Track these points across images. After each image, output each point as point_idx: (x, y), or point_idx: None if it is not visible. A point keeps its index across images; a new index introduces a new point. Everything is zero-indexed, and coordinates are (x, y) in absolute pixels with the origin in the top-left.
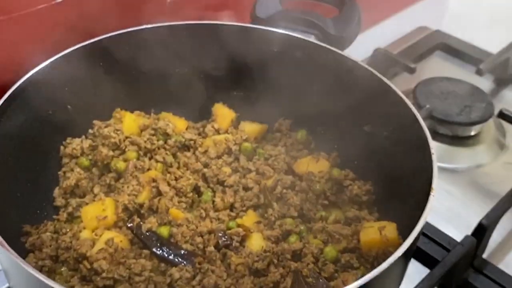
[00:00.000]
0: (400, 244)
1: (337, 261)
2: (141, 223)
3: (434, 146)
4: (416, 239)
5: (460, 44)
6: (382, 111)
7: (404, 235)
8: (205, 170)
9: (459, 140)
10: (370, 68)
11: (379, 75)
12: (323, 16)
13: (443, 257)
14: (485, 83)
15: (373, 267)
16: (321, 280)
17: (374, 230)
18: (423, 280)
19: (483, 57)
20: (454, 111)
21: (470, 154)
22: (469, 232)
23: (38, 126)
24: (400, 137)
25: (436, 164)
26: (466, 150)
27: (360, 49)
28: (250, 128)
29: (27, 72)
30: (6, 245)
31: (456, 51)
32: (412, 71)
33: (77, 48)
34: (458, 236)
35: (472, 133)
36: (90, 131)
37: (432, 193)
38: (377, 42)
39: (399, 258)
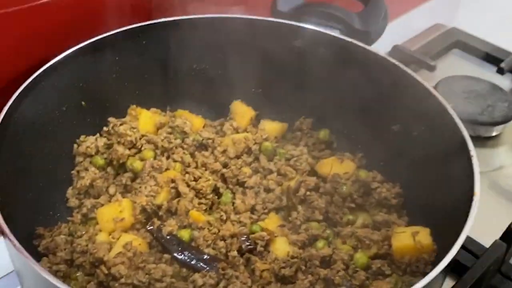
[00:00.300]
0: (434, 251)
1: (368, 268)
2: (162, 226)
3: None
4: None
5: (477, 42)
6: (412, 110)
7: (438, 241)
8: (224, 170)
9: (481, 141)
10: (400, 65)
11: (410, 71)
12: (347, 10)
13: (472, 264)
14: (504, 82)
15: (405, 274)
16: None
17: (407, 236)
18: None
19: (501, 55)
20: (476, 110)
21: (492, 155)
22: (493, 237)
23: (51, 123)
24: (433, 137)
25: (477, 167)
26: (488, 151)
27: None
28: (270, 126)
29: (41, 66)
30: (22, 249)
31: (473, 49)
32: (432, 68)
33: (93, 42)
34: (481, 241)
35: (494, 134)
36: (105, 128)
37: (475, 198)
38: (392, 40)
39: (445, 268)
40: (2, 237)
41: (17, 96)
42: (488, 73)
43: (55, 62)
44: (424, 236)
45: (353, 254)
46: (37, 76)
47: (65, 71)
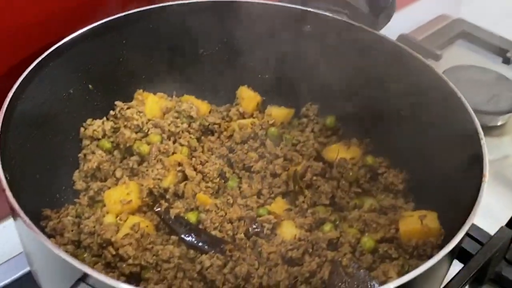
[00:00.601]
0: (441, 234)
1: (375, 251)
2: (170, 208)
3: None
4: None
5: (483, 32)
6: (421, 95)
7: (445, 226)
8: (231, 155)
9: (486, 131)
10: (409, 49)
11: (419, 56)
12: None
13: (477, 251)
14: (510, 72)
15: (412, 257)
16: (362, 271)
17: (414, 219)
18: (458, 274)
19: (506, 45)
20: (482, 100)
21: (497, 144)
22: (497, 225)
23: (58, 105)
24: (441, 122)
25: (486, 151)
26: (493, 141)
27: None
28: (277, 112)
29: (50, 47)
30: (33, 225)
31: (479, 39)
32: (437, 58)
33: (100, 25)
34: (486, 229)
35: (499, 123)
36: (112, 112)
37: (484, 180)
38: (398, 30)
39: (452, 250)
40: (8, 221)
41: (24, 78)
42: (493, 64)
43: (62, 45)
44: (431, 219)
45: (360, 237)
46: (43, 59)
47: (72, 54)
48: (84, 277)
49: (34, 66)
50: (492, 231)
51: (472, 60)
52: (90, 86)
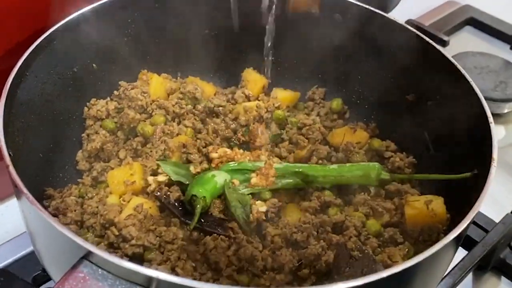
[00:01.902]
0: (447, 219)
1: (380, 235)
2: (169, 192)
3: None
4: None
5: (490, 19)
6: (428, 79)
7: (450, 212)
8: (235, 137)
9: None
10: (418, 32)
11: (427, 39)
12: None
13: (481, 238)
14: None
15: (417, 242)
16: (367, 255)
17: (420, 204)
18: (462, 261)
19: None
20: (489, 86)
21: (502, 132)
22: (502, 213)
23: (62, 84)
24: (449, 106)
25: (495, 134)
26: (498, 128)
27: None
28: (283, 95)
29: (54, 24)
30: (36, 202)
31: (486, 26)
32: (445, 44)
33: (105, 3)
34: (492, 216)
35: (506, 111)
36: (116, 92)
37: (493, 164)
38: (406, 15)
39: (458, 236)
40: (11, 200)
41: (27, 56)
42: (500, 51)
43: (67, 22)
44: (437, 204)
45: (365, 221)
46: (47, 37)
47: (76, 32)
48: (87, 255)
49: (38, 44)
50: (497, 219)
51: (479, 46)
52: (94, 65)
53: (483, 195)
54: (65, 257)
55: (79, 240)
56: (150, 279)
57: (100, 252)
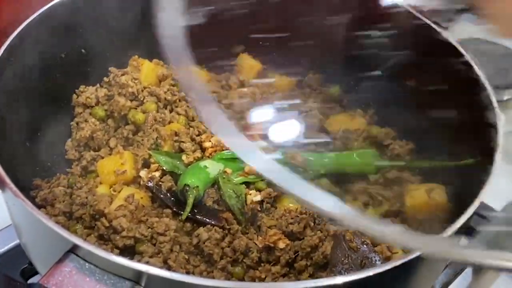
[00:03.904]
0: (449, 209)
1: None
2: (161, 182)
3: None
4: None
5: None
6: (428, 63)
7: (453, 199)
8: None
9: None
10: (419, 14)
11: (429, 22)
12: None
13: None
14: None
15: (418, 232)
16: (365, 246)
17: (421, 193)
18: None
19: None
20: (488, 73)
21: (502, 119)
22: (502, 202)
23: (49, 70)
24: (451, 91)
25: (500, 120)
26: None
27: None
28: (278, 81)
29: (40, 7)
30: (19, 193)
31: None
32: (444, 30)
33: None
34: (492, 205)
35: (505, 98)
36: (105, 79)
37: (498, 151)
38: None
39: (462, 225)
40: None
41: (12, 41)
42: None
43: (53, 5)
44: (439, 193)
45: (365, 211)
46: (33, 20)
47: (63, 15)
48: (74, 249)
49: (23, 28)
50: (497, 208)
51: (479, 33)
52: (83, 50)
53: (489, 183)
54: (51, 251)
55: (65, 233)
56: (139, 273)
57: (87, 246)
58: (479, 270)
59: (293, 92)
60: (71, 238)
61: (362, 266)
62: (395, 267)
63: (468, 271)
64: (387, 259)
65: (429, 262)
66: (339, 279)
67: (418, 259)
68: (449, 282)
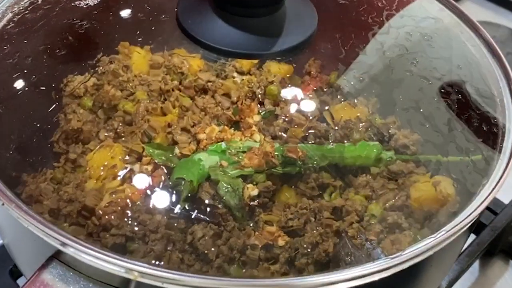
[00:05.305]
0: (456, 202)
1: (383, 220)
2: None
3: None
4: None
5: None
6: (434, 48)
7: (461, 193)
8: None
9: None
10: None
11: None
12: None
13: (490, 221)
14: None
15: (424, 227)
16: (369, 243)
17: (428, 186)
18: (470, 245)
19: None
20: None
21: None
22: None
23: (34, 58)
24: (460, 79)
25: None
26: None
27: None
28: (276, 68)
29: None
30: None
31: None
32: None
33: None
34: (500, 197)
35: None
36: (94, 67)
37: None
38: None
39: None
40: None
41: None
42: (506, 20)
43: None
44: (446, 186)
45: (367, 205)
46: (16, 3)
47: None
48: (57, 254)
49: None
50: (506, 200)
51: (484, 16)
52: (70, 37)
53: (504, 177)
54: (34, 255)
55: (47, 238)
56: (127, 281)
57: (71, 251)
58: (486, 264)
59: (291, 80)
60: (53, 242)
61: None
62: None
63: (475, 265)
64: (392, 257)
65: (439, 260)
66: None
67: (428, 258)
68: (456, 278)
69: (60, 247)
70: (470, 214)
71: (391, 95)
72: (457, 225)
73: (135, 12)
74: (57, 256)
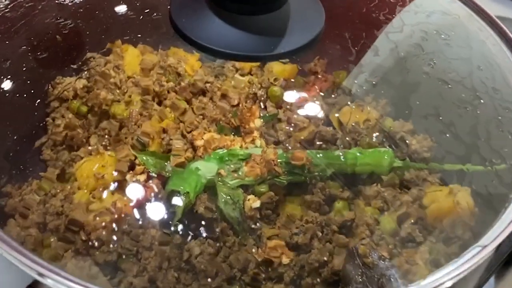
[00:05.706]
0: (474, 214)
1: (396, 234)
2: (147, 188)
3: None
4: None
5: None
6: (448, 45)
7: (481, 205)
8: (225, 119)
9: None
10: None
11: None
12: None
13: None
14: None
15: (439, 241)
16: (383, 261)
17: (444, 195)
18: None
19: None
20: None
21: None
22: None
23: (19, 60)
24: (474, 81)
25: None
26: None
27: None
28: (279, 68)
29: None
30: None
31: None
32: None
33: None
34: None
35: None
36: (84, 68)
37: None
38: None
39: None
40: None
41: None
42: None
43: None
44: (463, 196)
45: (378, 218)
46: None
47: None
48: (35, 284)
49: None
50: None
51: (493, 9)
52: (58, 37)
53: None
54: (11, 283)
55: (23, 266)
56: None
57: (49, 282)
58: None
59: (295, 80)
60: (30, 272)
61: (379, 286)
62: None
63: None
64: (405, 273)
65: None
66: None
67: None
68: None
69: (38, 277)
70: (498, 236)
71: (407, 101)
72: (482, 249)
73: (125, 9)
74: (35, 286)
